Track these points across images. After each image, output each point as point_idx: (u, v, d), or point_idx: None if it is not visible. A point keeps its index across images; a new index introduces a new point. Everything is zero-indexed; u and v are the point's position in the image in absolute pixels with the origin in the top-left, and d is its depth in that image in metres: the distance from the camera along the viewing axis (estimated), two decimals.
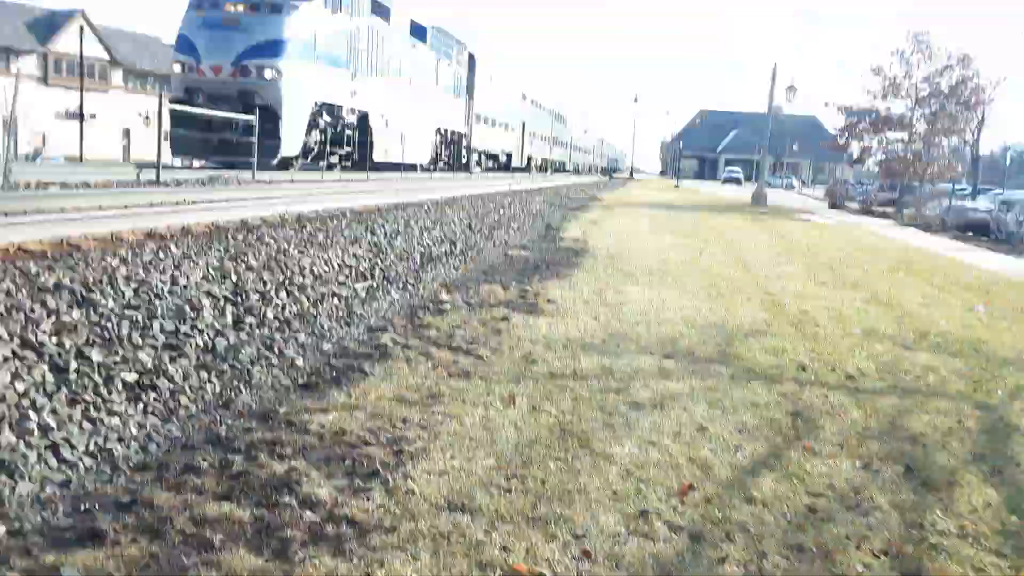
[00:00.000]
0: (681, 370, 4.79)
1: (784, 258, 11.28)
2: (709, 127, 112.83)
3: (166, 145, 15.08)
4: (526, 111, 46.78)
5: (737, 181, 72.49)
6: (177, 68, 17.57)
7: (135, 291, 4.74)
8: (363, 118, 21.98)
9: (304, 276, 6.37)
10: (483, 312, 6.25)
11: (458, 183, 23.83)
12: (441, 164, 31.21)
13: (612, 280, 8.20)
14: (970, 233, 19.25)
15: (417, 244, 9.34)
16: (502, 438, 3.53)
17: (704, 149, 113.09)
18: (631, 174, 74.37)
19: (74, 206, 8.30)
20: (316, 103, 18.87)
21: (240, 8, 17.34)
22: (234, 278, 5.62)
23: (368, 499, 2.81)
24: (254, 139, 15.82)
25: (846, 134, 30.09)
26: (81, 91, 42.60)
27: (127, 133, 63.25)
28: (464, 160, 34.70)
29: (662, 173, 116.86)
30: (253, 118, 15.50)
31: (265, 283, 5.80)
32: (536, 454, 3.36)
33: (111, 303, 4.43)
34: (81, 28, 53.69)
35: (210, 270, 5.60)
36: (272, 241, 7.07)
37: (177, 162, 19.84)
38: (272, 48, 17.10)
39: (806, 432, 3.84)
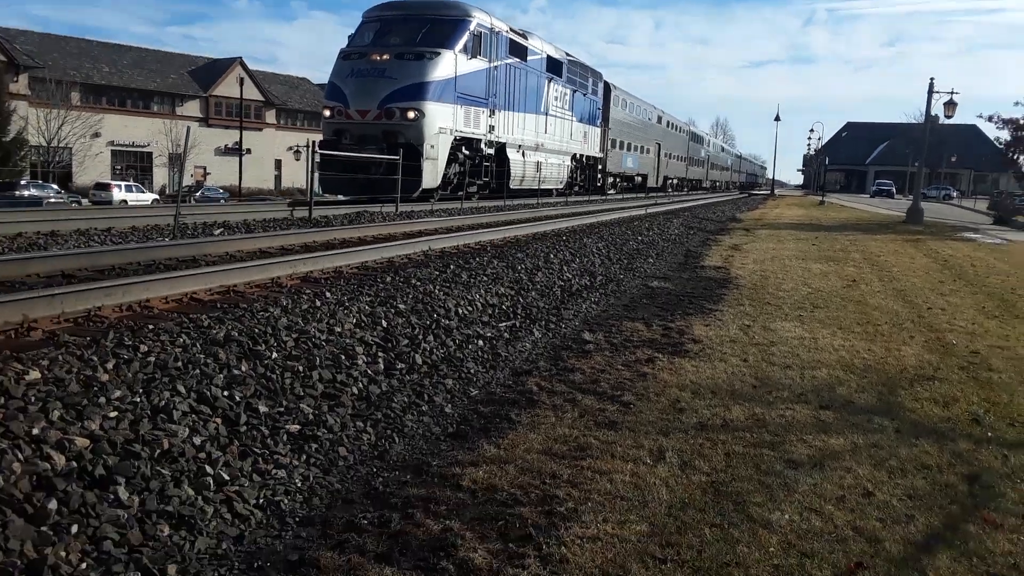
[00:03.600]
0: (840, 423, 4.54)
1: (948, 287, 10.53)
2: (855, 139, 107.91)
3: (312, 178, 15.91)
4: (660, 133, 46.32)
5: (888, 193, 68.70)
6: (327, 113, 18.61)
7: (296, 340, 5.00)
8: (500, 150, 22.45)
9: (450, 318, 6.52)
10: (627, 353, 6.17)
11: (593, 207, 23.82)
12: (577, 188, 31.39)
13: (759, 315, 7.91)
14: None
15: (557, 278, 9.38)
16: (654, 498, 3.45)
17: (851, 161, 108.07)
18: (772, 191, 71.83)
19: (237, 249, 8.88)
20: (455, 139, 19.44)
21: (385, 57, 18.25)
22: (384, 323, 5.83)
23: (523, 567, 2.81)
24: (397, 176, 16.49)
25: (1012, 148, 27.96)
26: (240, 133, 45.73)
27: (279, 165, 67.61)
28: (600, 183, 34.74)
29: (804, 187, 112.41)
30: (397, 158, 16.18)
31: (413, 327, 5.98)
32: (690, 519, 3.26)
33: (275, 354, 4.69)
34: (240, 80, 57.96)
35: (362, 316, 5.83)
36: (417, 282, 7.27)
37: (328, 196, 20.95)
38: (414, 92, 17.84)
39: (985, 500, 3.54)
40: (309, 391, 4.46)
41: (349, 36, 20.16)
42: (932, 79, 26.75)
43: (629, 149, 39.20)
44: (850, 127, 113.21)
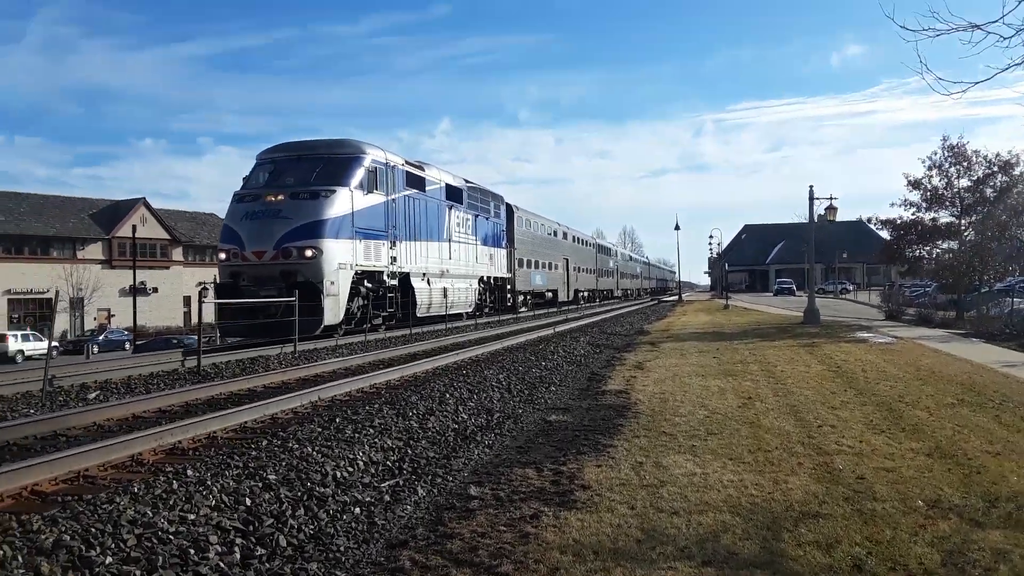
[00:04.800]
0: None
1: (839, 398, 10.71)
2: (754, 240, 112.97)
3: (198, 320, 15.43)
4: (567, 248, 47.48)
5: (790, 291, 71.57)
6: (222, 256, 18.35)
7: (138, 538, 4.57)
8: (404, 279, 22.45)
9: (326, 484, 6.16)
10: (512, 509, 5.91)
11: (502, 329, 23.83)
12: (487, 309, 31.52)
13: (653, 448, 7.79)
14: None
15: (451, 421, 9.12)
16: None
17: (752, 262, 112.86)
18: (680, 297, 73.94)
19: (107, 418, 8.35)
20: (357, 273, 19.35)
21: (280, 197, 18.27)
22: (248, 501, 5.44)
23: None
24: (296, 317, 16.18)
25: (895, 246, 29.68)
26: (134, 273, 44.76)
27: (187, 302, 66.01)
28: (510, 302, 35.03)
29: (712, 288, 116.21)
30: (293, 299, 15.92)
31: (282, 501, 5.60)
32: None
33: (109, 559, 4.26)
34: (143, 219, 57.22)
35: (224, 496, 5.44)
36: (295, 444, 6.91)
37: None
38: (311, 230, 17.83)
39: None
40: None
41: (244, 178, 20.15)
42: (811, 187, 28.37)
43: (537, 267, 39.90)
44: (748, 229, 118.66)
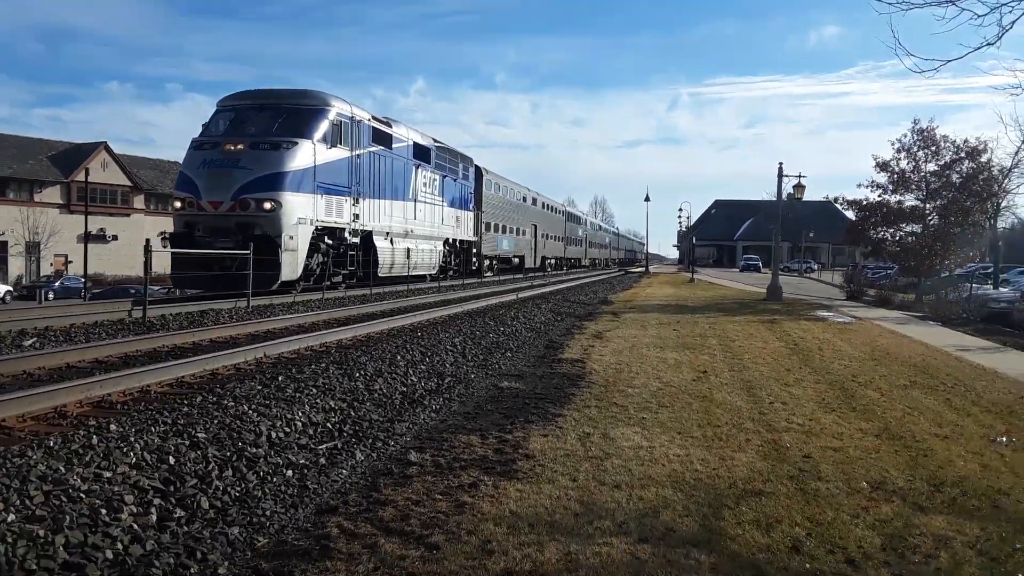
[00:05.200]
0: (656, 560, 4.21)
1: (793, 375, 10.68)
2: (724, 216, 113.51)
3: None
4: (536, 215, 47.17)
5: (756, 268, 72.21)
6: (178, 204, 17.85)
7: (46, 495, 4.30)
8: (367, 238, 22.06)
9: (259, 445, 5.93)
10: (451, 476, 5.73)
11: (465, 293, 23.59)
12: (452, 272, 31.25)
13: (602, 419, 7.66)
14: (994, 325, 18.56)
15: (400, 384, 8.90)
16: None
17: (721, 237, 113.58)
18: (647, 268, 74.18)
19: (38, 367, 8.00)
20: (317, 228, 18.93)
21: (240, 146, 17.71)
22: (172, 461, 5.18)
23: None
24: (250, 272, 15.80)
25: (859, 227, 29.85)
26: (86, 220, 43.75)
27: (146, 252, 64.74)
28: (475, 267, 34.75)
29: (680, 262, 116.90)
30: (247, 253, 15.52)
31: (209, 461, 5.36)
32: None
33: (12, 516, 3.99)
34: (104, 164, 55.77)
35: (146, 454, 5.18)
36: (231, 402, 6.65)
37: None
38: (270, 182, 17.34)
39: None
40: (45, 562, 3.78)
41: (203, 125, 19.52)
42: (781, 164, 28.39)
43: (504, 231, 39.61)
44: (718, 204, 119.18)
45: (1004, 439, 7.00)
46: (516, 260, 42.92)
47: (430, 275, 28.25)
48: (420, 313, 15.78)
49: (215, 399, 6.71)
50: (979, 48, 7.90)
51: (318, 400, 7.35)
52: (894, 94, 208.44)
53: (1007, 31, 7.49)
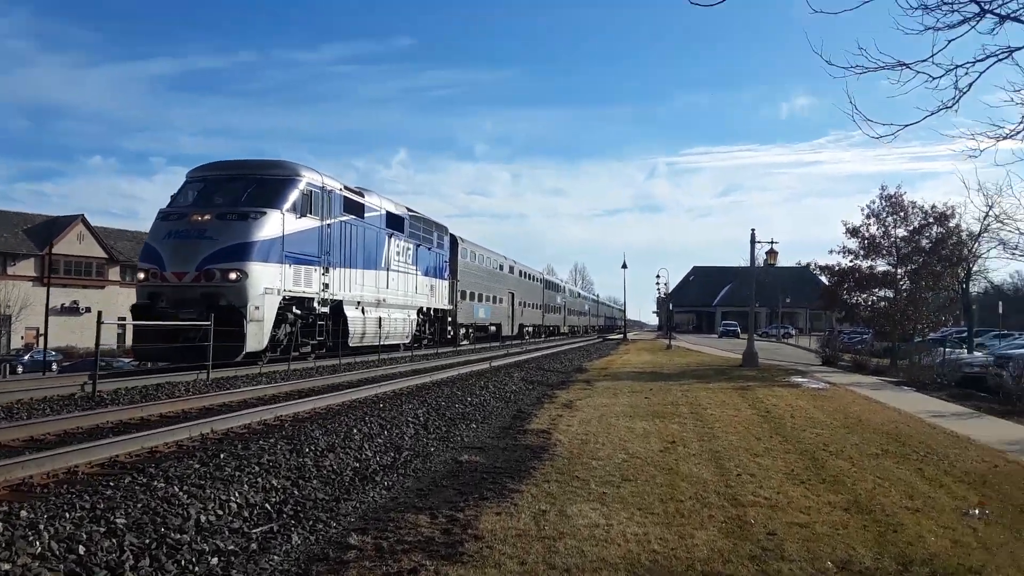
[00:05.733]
0: None
1: (763, 445, 10.38)
2: (702, 282, 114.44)
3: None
4: (513, 283, 47.14)
5: (734, 333, 72.37)
6: (141, 276, 17.58)
7: None
8: (337, 307, 21.77)
9: (184, 530, 5.52)
10: (391, 562, 5.34)
11: (437, 362, 23.22)
12: (426, 341, 30.92)
13: (561, 495, 7.30)
14: (968, 390, 18.40)
15: (353, 459, 8.51)
16: None
17: (700, 303, 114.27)
18: (624, 336, 74.05)
19: None
20: (285, 298, 18.65)
21: (207, 217, 17.58)
22: (82, 551, 4.79)
23: None
24: (214, 343, 15.46)
25: (833, 292, 29.98)
26: (47, 291, 43.20)
27: (120, 324, 63.92)
28: (451, 335, 34.44)
29: (659, 328, 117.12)
30: (208, 324, 15.20)
31: (123, 551, 4.96)
32: None
33: None
34: (80, 235, 55.46)
35: (54, 543, 4.78)
36: (162, 483, 6.26)
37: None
38: (236, 252, 17.15)
39: None
40: None
41: (172, 196, 19.36)
42: (753, 230, 28.58)
43: (480, 300, 39.44)
44: (696, 271, 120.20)
45: (977, 511, 6.71)
46: (493, 328, 42.65)
47: (404, 344, 27.89)
48: (387, 384, 15.41)
49: (145, 480, 6.32)
50: (937, 112, 7.85)
51: (259, 479, 6.96)
52: (864, 163, 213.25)
53: (964, 93, 7.43)
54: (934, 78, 7.53)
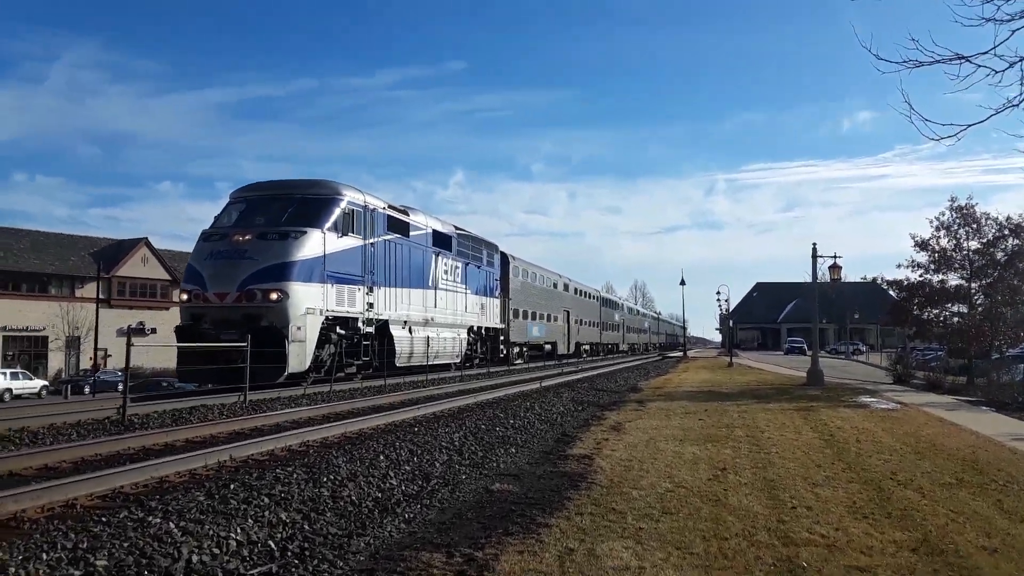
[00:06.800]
0: None
1: (824, 472, 9.54)
2: (765, 298, 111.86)
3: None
4: (569, 301, 46.48)
5: (800, 350, 70.16)
6: (184, 297, 17.54)
7: None
8: (383, 327, 21.46)
9: (171, 573, 5.08)
10: None
11: (485, 382, 22.72)
12: (477, 360, 30.49)
13: (593, 530, 6.67)
14: None
15: (375, 488, 8.02)
16: None
17: (764, 320, 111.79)
18: (684, 353, 72.46)
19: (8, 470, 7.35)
20: (328, 318, 18.41)
21: (248, 237, 17.48)
22: None
23: None
24: (257, 364, 15.28)
25: (903, 308, 28.54)
26: (97, 313, 44.24)
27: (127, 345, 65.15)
28: (504, 354, 33.94)
29: (722, 346, 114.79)
30: (245, 345, 15.00)
31: None
32: None
33: None
34: (144, 258, 56.95)
35: None
36: (159, 518, 5.85)
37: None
38: (277, 272, 16.98)
39: None
40: None
41: (215, 217, 19.37)
42: (814, 245, 27.42)
43: (534, 318, 38.86)
44: (760, 287, 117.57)
45: None
46: (548, 347, 41.98)
47: (454, 364, 27.48)
48: (428, 405, 14.95)
49: (142, 514, 5.92)
50: (1003, 110, 7.06)
51: (267, 512, 6.51)
52: (932, 176, 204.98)
53: None
54: (997, 72, 6.77)
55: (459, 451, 10.67)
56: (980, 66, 7.27)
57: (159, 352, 60.64)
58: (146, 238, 62.11)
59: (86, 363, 58.65)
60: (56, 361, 56.82)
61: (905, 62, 7.33)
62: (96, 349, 57.42)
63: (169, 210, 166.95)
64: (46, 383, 49.16)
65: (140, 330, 61.35)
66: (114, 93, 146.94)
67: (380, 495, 7.88)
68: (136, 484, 7.01)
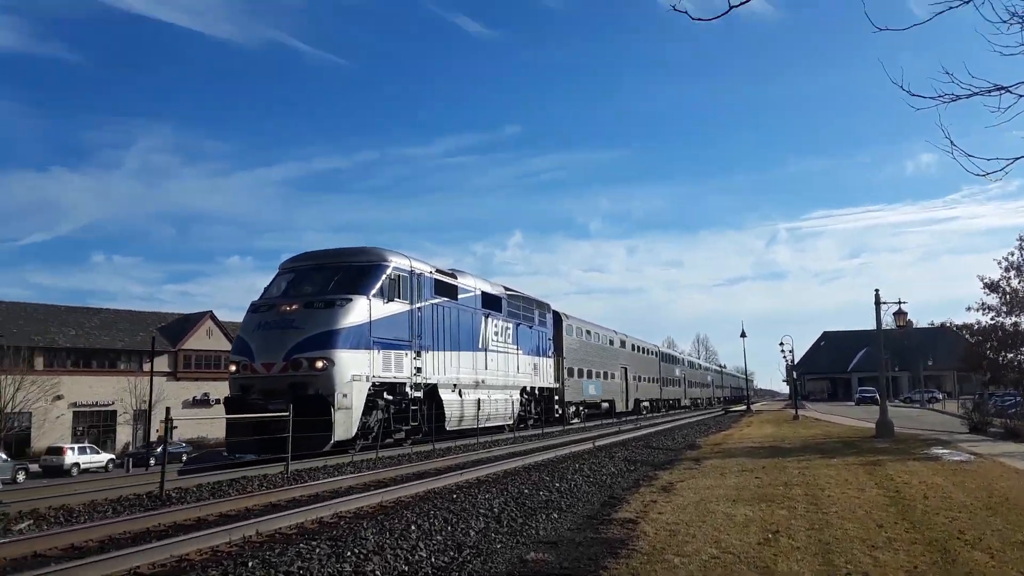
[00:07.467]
0: None
1: (886, 533, 8.88)
2: (833, 348, 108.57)
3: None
4: (626, 357, 45.81)
5: (872, 400, 67.44)
6: (233, 368, 17.72)
7: None
8: (432, 391, 21.32)
9: None
10: None
11: (537, 444, 22.27)
12: (532, 421, 30.06)
13: None
14: None
15: (402, 562, 7.72)
16: None
17: (833, 370, 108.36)
18: (748, 407, 70.40)
19: (5, 557, 7.31)
20: (374, 385, 18.36)
21: (294, 307, 17.68)
22: None
23: None
24: (301, 433, 15.24)
25: (976, 352, 27.24)
26: (151, 380, 45.01)
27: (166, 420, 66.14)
28: (559, 414, 33.40)
29: (790, 398, 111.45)
30: (287, 415, 15.00)
31: None
32: None
33: None
34: (208, 331, 58.35)
35: None
36: None
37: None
38: (323, 340, 17.07)
39: None
40: None
41: (264, 288, 19.66)
42: (877, 291, 26.51)
43: (590, 376, 38.30)
44: (827, 336, 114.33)
45: None
46: (605, 405, 41.23)
47: (507, 425, 27.10)
48: (473, 470, 14.62)
49: None
50: None
51: None
52: (1003, 216, 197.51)
53: None
54: None
55: (497, 518, 10.31)
56: (1022, 96, 6.89)
57: (223, 423, 61.65)
58: (211, 311, 63.81)
59: (154, 436, 59.95)
60: (124, 434, 58.16)
61: (940, 96, 6.97)
62: (165, 420, 58.78)
63: (238, 283, 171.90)
64: (113, 456, 50.22)
65: (204, 401, 62.57)
66: (187, 175, 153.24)
67: (406, 568, 7.57)
68: (154, 564, 6.86)
